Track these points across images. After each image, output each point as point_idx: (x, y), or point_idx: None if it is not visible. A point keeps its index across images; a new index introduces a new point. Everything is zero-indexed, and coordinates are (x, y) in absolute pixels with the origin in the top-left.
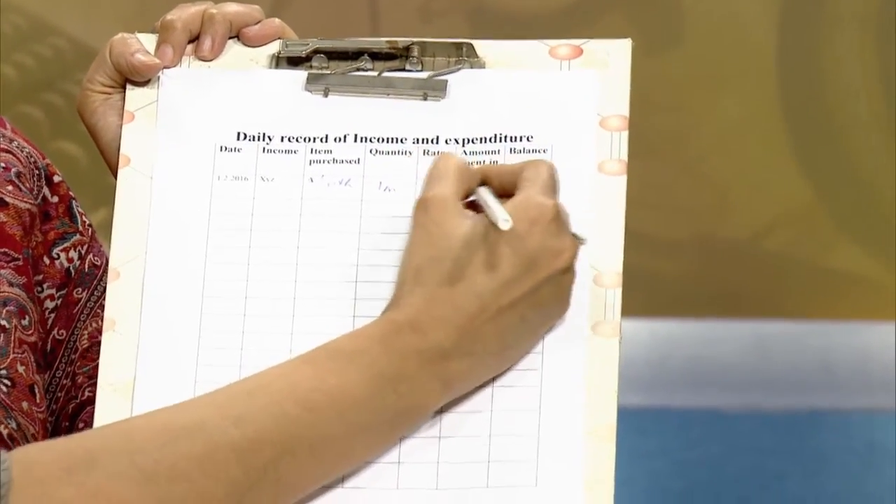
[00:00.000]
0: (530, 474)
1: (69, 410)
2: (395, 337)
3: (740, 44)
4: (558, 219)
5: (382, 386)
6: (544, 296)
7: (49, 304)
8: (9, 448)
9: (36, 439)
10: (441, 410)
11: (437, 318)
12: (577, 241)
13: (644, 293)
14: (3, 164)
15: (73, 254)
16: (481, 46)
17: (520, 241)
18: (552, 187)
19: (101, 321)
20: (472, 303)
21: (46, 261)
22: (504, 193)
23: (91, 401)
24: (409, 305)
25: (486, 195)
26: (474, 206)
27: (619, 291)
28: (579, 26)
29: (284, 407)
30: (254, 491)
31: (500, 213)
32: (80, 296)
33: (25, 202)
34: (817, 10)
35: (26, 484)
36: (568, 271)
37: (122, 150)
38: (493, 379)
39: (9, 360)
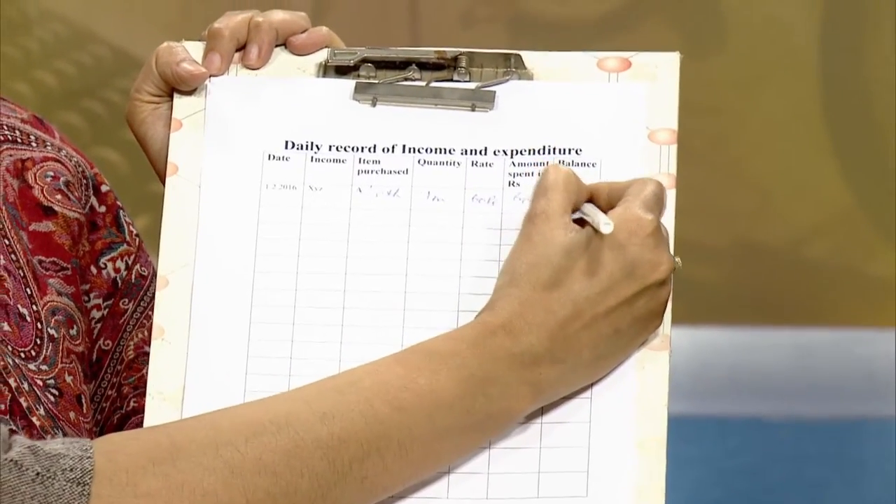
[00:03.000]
0: (581, 485)
1: (114, 421)
2: (487, 339)
3: (782, 47)
4: (657, 233)
5: (472, 388)
6: (640, 308)
7: (96, 314)
8: None
9: None
10: None
11: (531, 321)
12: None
13: (684, 300)
14: (51, 174)
15: (119, 264)
16: (529, 58)
17: (618, 250)
18: (655, 203)
19: (147, 332)
20: (567, 308)
21: (94, 270)
22: (611, 208)
23: (136, 411)
24: (504, 308)
25: (589, 207)
26: (581, 223)
27: (668, 305)
28: (620, 32)
29: (373, 405)
30: (339, 487)
31: (602, 218)
32: (126, 306)
33: (74, 211)
34: (859, 12)
35: (111, 473)
36: (664, 285)
37: (170, 159)
38: None
39: (57, 370)
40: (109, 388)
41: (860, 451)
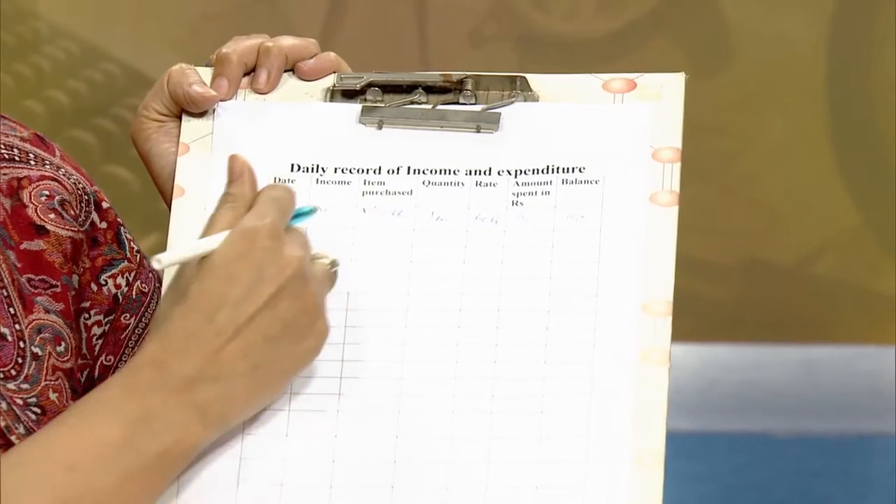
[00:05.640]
0: (577, 500)
1: None
2: (135, 377)
3: (788, 66)
4: (275, 235)
5: (135, 427)
6: (286, 310)
7: (97, 331)
8: None
9: None
10: (489, 436)
11: (176, 350)
12: (323, 260)
13: (691, 318)
14: (47, 192)
15: (120, 280)
16: (535, 80)
17: (242, 260)
18: (270, 207)
19: None
20: (207, 327)
21: (94, 287)
22: None
23: None
24: (148, 347)
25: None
26: None
27: (668, 320)
28: (628, 51)
29: (49, 474)
30: None
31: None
32: (127, 321)
33: (68, 230)
34: (867, 31)
35: None
36: (301, 280)
37: (177, 181)
38: (541, 406)
39: (40, 388)
40: None
41: (867, 467)
